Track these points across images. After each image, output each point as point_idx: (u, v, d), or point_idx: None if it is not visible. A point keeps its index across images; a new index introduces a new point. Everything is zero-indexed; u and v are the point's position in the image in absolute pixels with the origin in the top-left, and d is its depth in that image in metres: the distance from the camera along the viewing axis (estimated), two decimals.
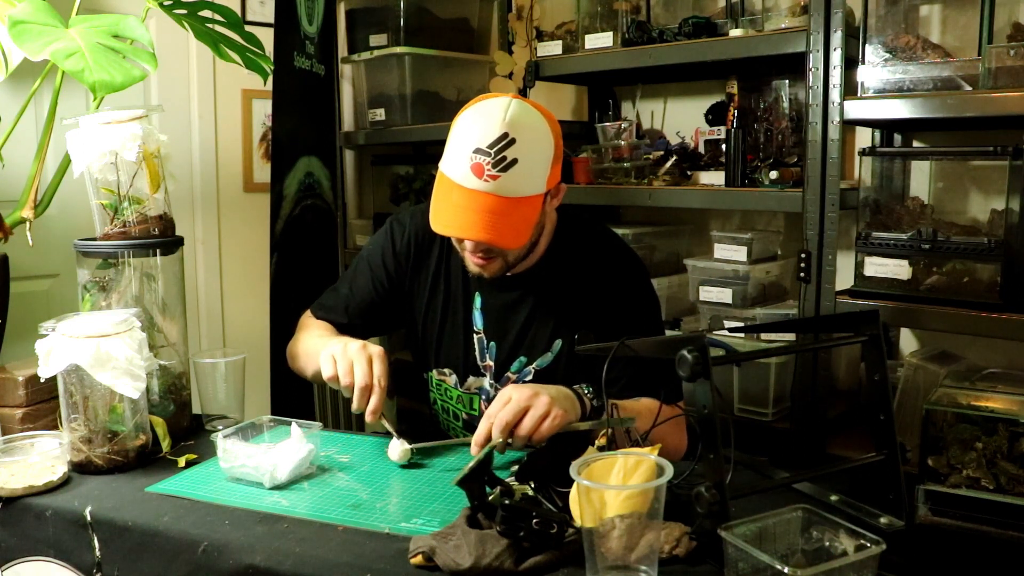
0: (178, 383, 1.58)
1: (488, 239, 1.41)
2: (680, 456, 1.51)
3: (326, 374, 1.43)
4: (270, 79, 2.13)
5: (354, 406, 1.42)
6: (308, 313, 1.77)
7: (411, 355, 1.79)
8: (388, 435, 1.56)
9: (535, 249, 1.59)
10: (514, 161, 1.38)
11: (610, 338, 1.35)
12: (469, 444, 1.38)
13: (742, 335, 2.17)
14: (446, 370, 1.66)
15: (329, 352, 1.44)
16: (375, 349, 1.45)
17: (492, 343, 1.62)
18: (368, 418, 1.42)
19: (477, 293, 1.63)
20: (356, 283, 1.72)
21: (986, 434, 1.55)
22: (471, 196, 1.39)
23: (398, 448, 1.41)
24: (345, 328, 1.69)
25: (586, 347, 1.40)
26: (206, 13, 1.92)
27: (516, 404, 1.33)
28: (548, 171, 1.44)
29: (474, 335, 1.64)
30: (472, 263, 1.54)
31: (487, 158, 1.37)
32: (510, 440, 1.34)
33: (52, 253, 2.21)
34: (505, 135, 1.38)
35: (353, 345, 1.44)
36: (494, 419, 1.33)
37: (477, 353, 1.64)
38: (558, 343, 1.59)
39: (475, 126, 1.40)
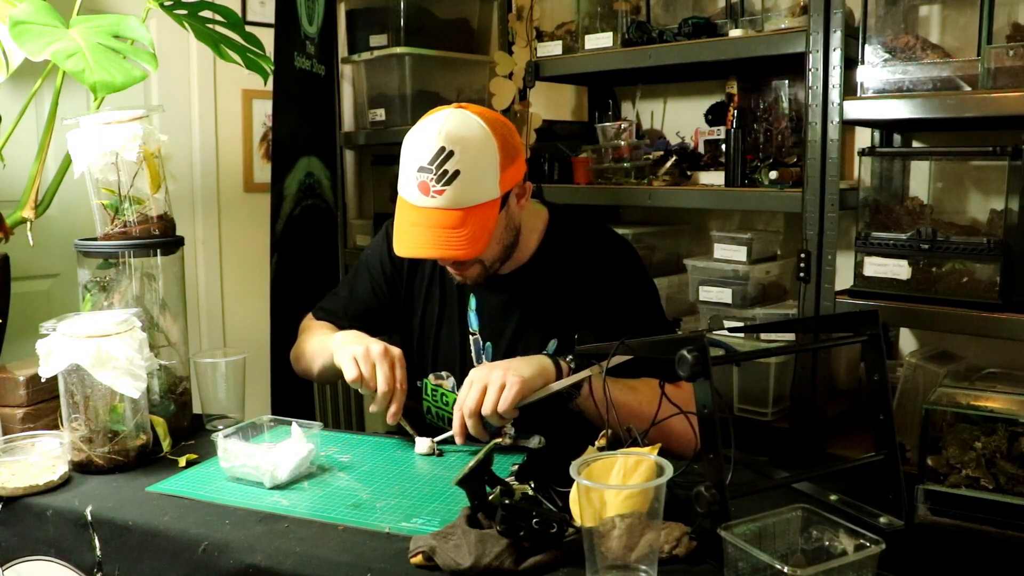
0: (178, 383, 1.58)
1: (442, 255, 1.46)
2: (694, 446, 1.48)
3: (349, 376, 1.44)
4: (270, 79, 2.13)
5: (374, 407, 1.45)
6: (309, 316, 1.78)
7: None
8: (391, 435, 1.57)
9: (522, 248, 1.59)
10: (456, 173, 1.39)
11: (609, 332, 1.35)
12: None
13: (742, 335, 2.17)
14: (443, 373, 1.66)
15: (350, 352, 1.46)
16: (396, 352, 1.48)
17: (488, 344, 1.63)
18: (389, 420, 1.46)
19: (472, 294, 1.63)
20: (356, 287, 1.74)
21: (985, 434, 1.55)
22: (423, 214, 1.42)
23: (425, 444, 1.46)
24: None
25: (586, 347, 1.41)
26: (206, 13, 1.92)
27: (476, 386, 1.38)
28: (498, 175, 1.44)
29: (470, 336, 1.64)
30: (452, 274, 1.58)
31: (430, 175, 1.40)
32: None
33: (53, 253, 2.21)
34: (443, 149, 1.39)
35: (375, 347, 1.46)
36: (462, 407, 1.39)
37: (473, 354, 1.64)
38: (554, 343, 1.58)
39: (416, 144, 1.43)
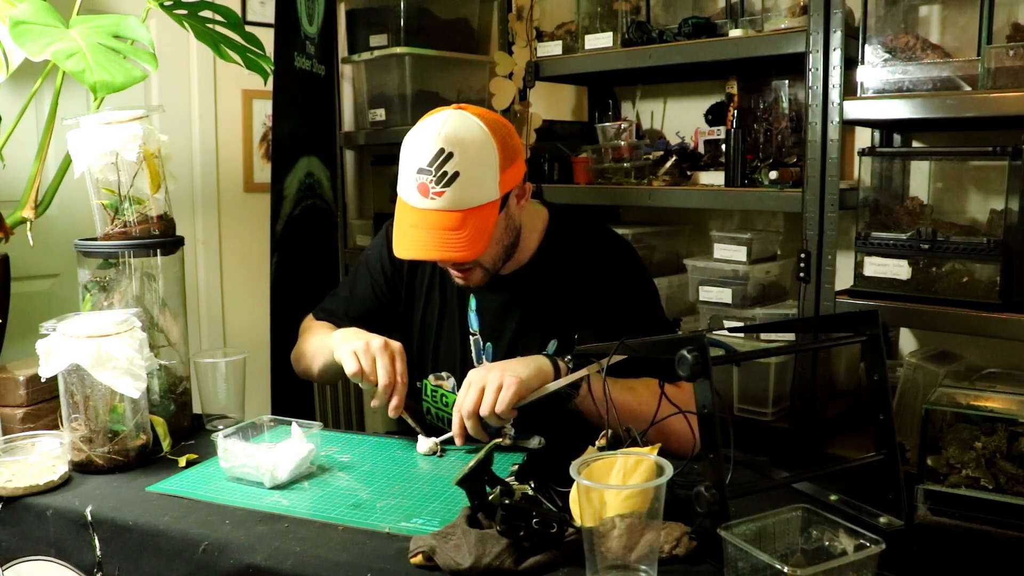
0: (178, 383, 1.58)
1: (442, 257, 1.45)
2: (692, 446, 1.48)
3: (349, 370, 1.45)
4: (270, 79, 2.13)
5: (375, 402, 1.46)
6: (310, 317, 1.79)
7: None
8: (391, 435, 1.57)
9: (522, 249, 1.59)
10: (456, 175, 1.39)
11: (609, 332, 1.35)
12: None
13: (742, 335, 2.17)
14: (443, 374, 1.66)
15: (351, 348, 1.46)
16: (396, 345, 1.49)
17: (488, 344, 1.63)
18: (391, 413, 1.47)
19: (472, 295, 1.64)
20: (356, 287, 1.74)
21: (985, 434, 1.56)
22: (422, 216, 1.42)
23: (426, 444, 1.46)
24: None
25: (585, 347, 1.41)
26: (206, 13, 1.92)
27: (474, 387, 1.39)
28: (498, 176, 1.44)
29: (470, 337, 1.64)
30: (453, 277, 1.58)
31: (429, 176, 1.40)
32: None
33: (53, 253, 2.21)
34: (442, 151, 1.39)
35: (375, 341, 1.47)
36: (460, 409, 1.40)
37: (474, 355, 1.64)
38: (554, 343, 1.58)
39: (415, 146, 1.42)
